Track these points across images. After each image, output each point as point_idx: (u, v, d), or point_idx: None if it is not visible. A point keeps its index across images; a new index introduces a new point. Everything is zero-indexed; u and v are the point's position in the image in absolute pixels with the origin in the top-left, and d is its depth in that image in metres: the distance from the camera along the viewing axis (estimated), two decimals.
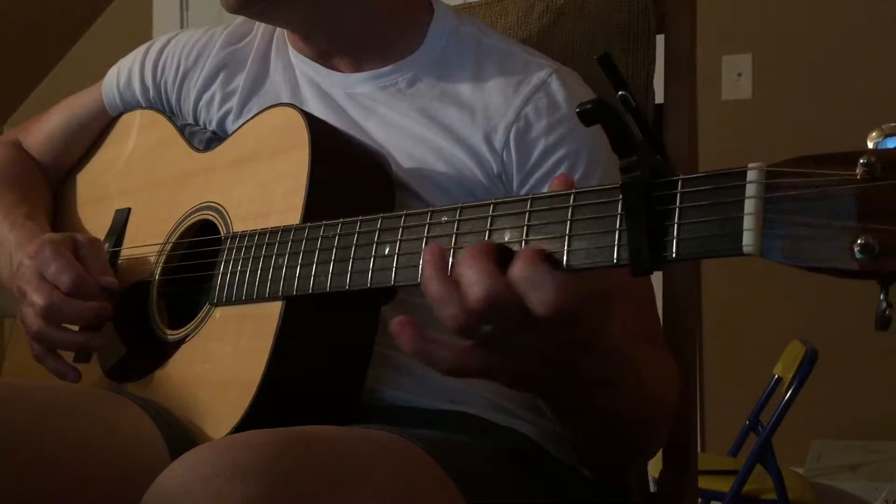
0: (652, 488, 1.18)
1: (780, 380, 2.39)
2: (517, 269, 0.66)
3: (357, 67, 1.09)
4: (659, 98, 1.19)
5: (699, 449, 2.21)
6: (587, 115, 0.63)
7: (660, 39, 1.20)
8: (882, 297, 0.55)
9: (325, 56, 1.10)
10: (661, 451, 1.12)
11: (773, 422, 2.21)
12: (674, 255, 0.61)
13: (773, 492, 2.22)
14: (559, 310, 0.65)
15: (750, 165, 0.58)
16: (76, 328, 1.02)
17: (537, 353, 0.71)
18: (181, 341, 1.00)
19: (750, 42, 3.04)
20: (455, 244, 0.73)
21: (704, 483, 2.18)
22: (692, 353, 1.14)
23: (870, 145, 0.55)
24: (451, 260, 0.72)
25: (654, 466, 1.46)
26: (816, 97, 2.92)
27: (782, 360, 2.41)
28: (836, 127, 2.63)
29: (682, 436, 1.11)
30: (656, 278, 1.15)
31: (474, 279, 0.66)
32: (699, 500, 1.79)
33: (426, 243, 0.75)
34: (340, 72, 1.09)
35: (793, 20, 3.00)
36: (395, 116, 1.04)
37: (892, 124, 0.55)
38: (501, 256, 0.68)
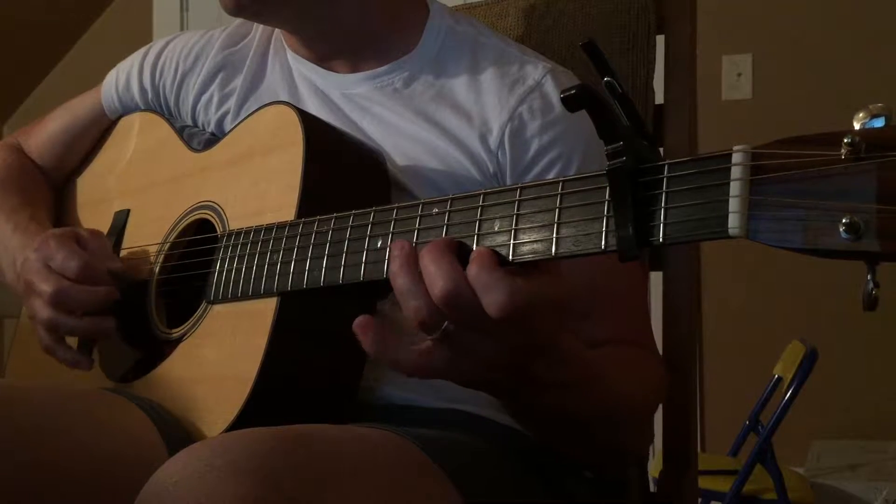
0: (652, 488, 1.18)
1: (780, 380, 2.39)
2: (472, 272, 0.68)
3: (354, 68, 1.09)
4: (659, 98, 1.19)
5: (699, 449, 2.21)
6: (571, 101, 0.63)
7: (660, 39, 1.20)
8: (869, 276, 0.55)
9: (322, 57, 1.10)
10: (661, 451, 1.12)
11: (773, 422, 2.21)
12: (661, 239, 0.61)
13: (773, 492, 2.22)
14: (510, 312, 0.66)
15: (735, 148, 0.58)
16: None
17: (492, 355, 0.71)
18: (179, 340, 1.00)
19: (750, 42, 3.05)
20: (446, 235, 0.73)
21: (704, 483, 2.19)
22: (692, 353, 1.13)
23: (856, 126, 0.55)
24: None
25: (654, 466, 1.46)
26: (816, 97, 2.92)
27: (782, 360, 2.41)
28: (836, 127, 2.62)
29: (682, 436, 1.11)
30: (656, 278, 1.15)
31: (438, 273, 0.68)
32: (699, 500, 1.79)
33: (417, 236, 0.75)
34: (337, 72, 1.10)
35: (793, 20, 3.00)
36: (391, 116, 1.05)
37: (880, 105, 0.55)
38: (461, 253, 0.70)
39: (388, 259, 0.73)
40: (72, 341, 1.06)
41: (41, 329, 1.04)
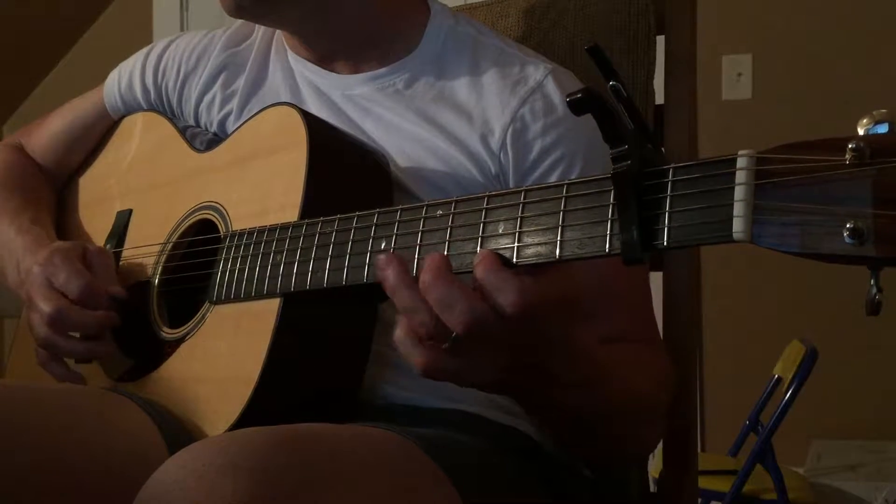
0: (652, 488, 1.18)
1: (780, 380, 2.39)
2: (478, 274, 0.68)
3: (355, 69, 1.09)
4: (659, 98, 1.19)
5: (699, 449, 2.21)
6: (577, 105, 0.63)
7: (660, 40, 1.20)
8: (872, 282, 0.55)
9: (323, 58, 1.11)
10: (661, 451, 1.12)
11: (773, 422, 2.21)
12: (665, 243, 0.61)
13: (773, 492, 2.22)
14: (521, 312, 0.67)
15: (740, 153, 0.59)
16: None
17: (504, 357, 0.72)
18: (180, 340, 1.00)
19: (750, 42, 3.05)
20: (450, 237, 0.73)
21: (704, 483, 2.18)
22: (692, 353, 1.14)
23: (860, 132, 0.55)
24: (415, 260, 0.74)
25: (655, 466, 1.46)
26: (816, 97, 2.92)
27: (782, 360, 2.41)
28: (836, 127, 2.60)
29: (682, 436, 1.11)
30: (656, 278, 1.15)
31: (453, 302, 0.68)
32: (699, 500, 1.79)
33: (421, 237, 0.75)
34: (339, 73, 1.10)
35: (793, 20, 3.00)
36: (392, 117, 1.05)
37: (883, 111, 0.55)
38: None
39: (383, 273, 0.72)
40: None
41: (37, 346, 1.04)
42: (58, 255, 1.03)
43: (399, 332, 0.72)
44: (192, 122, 1.19)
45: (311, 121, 0.96)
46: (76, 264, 1.03)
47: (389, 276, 0.71)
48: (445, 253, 0.73)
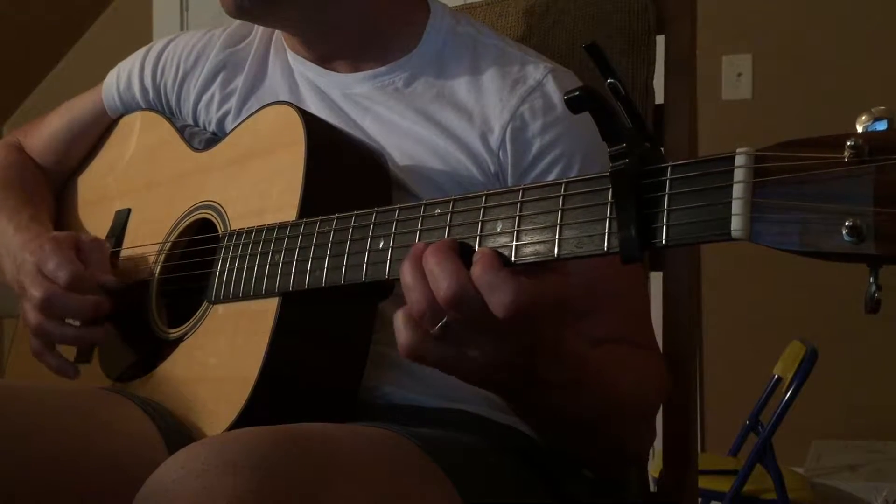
0: (652, 488, 1.18)
1: (780, 380, 2.39)
2: (476, 272, 0.68)
3: (355, 68, 1.09)
4: (659, 98, 1.19)
5: (699, 449, 2.21)
6: (575, 103, 0.63)
7: (660, 40, 1.20)
8: (871, 279, 0.55)
9: (322, 58, 1.11)
10: (661, 451, 1.12)
11: (773, 422, 2.21)
12: (663, 241, 0.61)
13: (773, 492, 2.22)
14: (516, 312, 0.67)
15: (738, 150, 0.58)
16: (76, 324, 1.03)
17: (497, 354, 0.72)
18: (179, 340, 1.00)
19: (750, 42, 3.05)
20: (448, 236, 0.73)
21: (704, 483, 2.19)
22: (692, 353, 1.14)
23: (859, 129, 0.55)
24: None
25: (654, 466, 1.46)
26: (816, 97, 2.92)
27: (782, 360, 2.42)
28: (836, 127, 2.61)
29: (682, 436, 1.11)
30: (656, 278, 1.15)
31: (442, 275, 0.69)
32: (699, 500, 1.79)
33: (419, 236, 0.75)
34: (338, 72, 1.10)
35: (793, 20, 3.00)
36: (392, 116, 1.05)
37: (882, 108, 0.55)
38: (463, 253, 0.70)
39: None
40: (68, 348, 1.07)
41: (30, 334, 1.04)
42: (49, 243, 1.04)
43: (398, 312, 0.72)
44: (190, 121, 1.19)
45: (309, 119, 0.96)
46: (67, 253, 1.03)
47: (411, 254, 0.72)
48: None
